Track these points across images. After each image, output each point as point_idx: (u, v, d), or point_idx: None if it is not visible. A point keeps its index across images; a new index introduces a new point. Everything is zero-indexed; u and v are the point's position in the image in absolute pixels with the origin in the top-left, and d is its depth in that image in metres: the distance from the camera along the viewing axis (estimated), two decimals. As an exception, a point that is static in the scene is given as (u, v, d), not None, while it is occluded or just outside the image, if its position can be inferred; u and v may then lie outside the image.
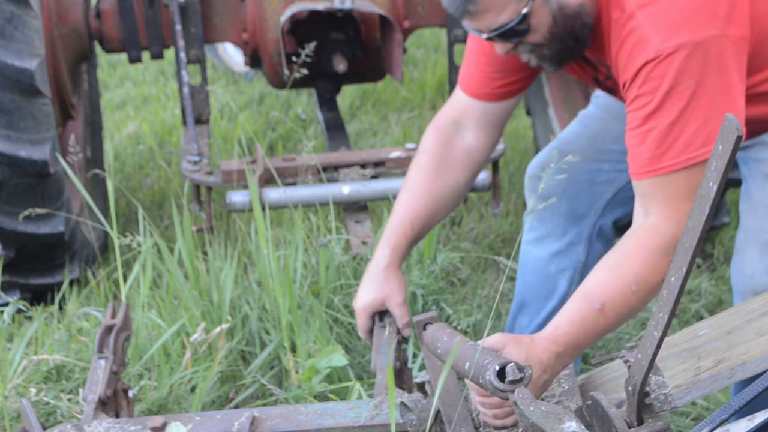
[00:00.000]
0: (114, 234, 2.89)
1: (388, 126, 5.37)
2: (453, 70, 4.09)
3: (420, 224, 2.44)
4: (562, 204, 2.62)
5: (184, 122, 3.87)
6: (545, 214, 2.67)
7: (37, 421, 1.86)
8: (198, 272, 3.18)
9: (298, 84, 4.12)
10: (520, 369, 1.55)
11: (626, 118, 2.08)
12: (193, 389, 2.83)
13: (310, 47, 3.67)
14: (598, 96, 2.62)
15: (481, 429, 1.77)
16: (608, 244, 2.62)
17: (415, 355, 2.94)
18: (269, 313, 3.11)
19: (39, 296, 3.56)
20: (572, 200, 2.62)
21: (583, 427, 1.46)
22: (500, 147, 3.75)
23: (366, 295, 2.38)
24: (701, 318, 3.36)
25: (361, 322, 2.38)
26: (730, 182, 3.58)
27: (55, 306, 3.42)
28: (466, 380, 1.69)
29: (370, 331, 2.38)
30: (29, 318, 3.35)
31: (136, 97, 6.25)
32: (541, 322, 2.74)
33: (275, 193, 3.49)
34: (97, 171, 4.14)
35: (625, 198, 2.60)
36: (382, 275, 2.38)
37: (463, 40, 4.01)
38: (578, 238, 2.67)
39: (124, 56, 4.32)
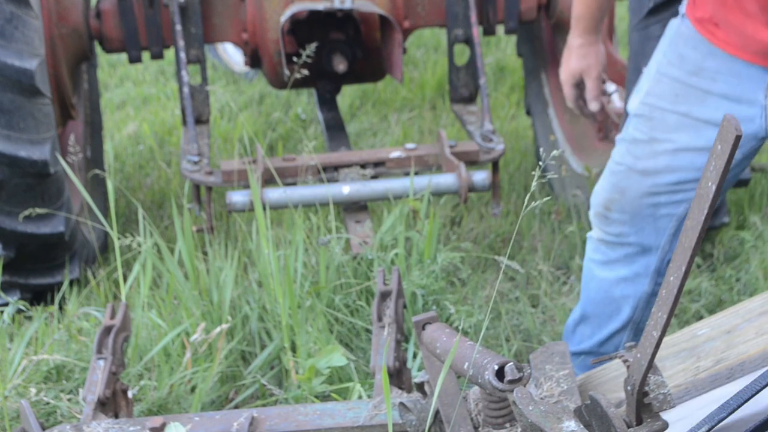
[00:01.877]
0: (114, 234, 2.89)
1: (388, 126, 5.37)
2: (453, 70, 4.09)
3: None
4: (630, 237, 2.63)
5: (184, 122, 3.87)
6: (613, 244, 2.68)
7: (36, 421, 1.86)
8: (198, 272, 3.18)
9: (298, 84, 4.13)
10: (519, 368, 1.55)
11: None
12: (193, 389, 2.83)
13: (310, 47, 3.67)
14: (639, 115, 2.52)
15: (480, 429, 1.77)
16: None
17: (415, 355, 2.94)
18: (269, 313, 3.11)
19: (39, 296, 3.57)
20: (639, 234, 2.61)
21: (582, 426, 1.46)
22: (500, 147, 3.75)
23: (564, 68, 2.86)
24: (701, 318, 3.36)
25: (567, 92, 2.90)
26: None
27: (55, 306, 3.42)
28: None
29: (577, 99, 2.90)
30: (29, 318, 3.35)
31: (136, 97, 6.25)
32: (603, 338, 2.80)
33: (275, 193, 3.49)
34: (97, 171, 4.14)
35: None
36: (577, 53, 2.82)
37: (463, 40, 4.03)
38: (646, 270, 2.66)
39: (124, 56, 4.33)
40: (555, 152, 1.90)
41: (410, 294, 3.16)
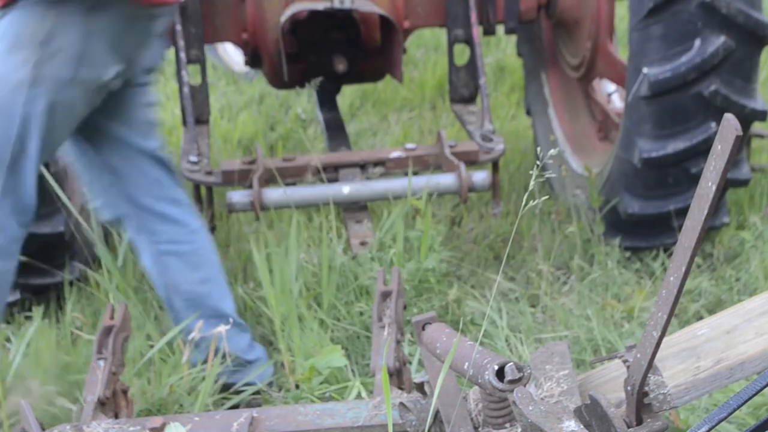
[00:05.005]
0: (114, 234, 2.89)
1: (388, 126, 5.37)
2: (453, 70, 4.09)
3: None
4: None
5: (184, 122, 3.87)
6: None
7: (35, 421, 1.86)
8: (198, 272, 3.17)
9: (298, 84, 4.12)
10: (519, 368, 1.55)
11: None
12: (193, 389, 2.83)
13: (310, 47, 3.67)
14: None
15: (480, 429, 1.77)
16: None
17: (414, 355, 2.94)
18: (266, 315, 3.11)
19: (39, 296, 3.56)
20: None
21: (582, 426, 1.46)
22: (500, 147, 3.74)
23: None
24: (701, 318, 3.36)
25: None
26: (730, 182, 3.59)
27: (55, 306, 3.41)
28: None
29: None
30: (29, 318, 3.35)
31: (136, 97, 6.23)
32: None
33: (275, 193, 3.49)
34: (97, 171, 4.13)
35: None
36: None
37: (463, 40, 4.02)
38: None
39: (124, 56, 4.31)
40: (552, 151, 1.89)
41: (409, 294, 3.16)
